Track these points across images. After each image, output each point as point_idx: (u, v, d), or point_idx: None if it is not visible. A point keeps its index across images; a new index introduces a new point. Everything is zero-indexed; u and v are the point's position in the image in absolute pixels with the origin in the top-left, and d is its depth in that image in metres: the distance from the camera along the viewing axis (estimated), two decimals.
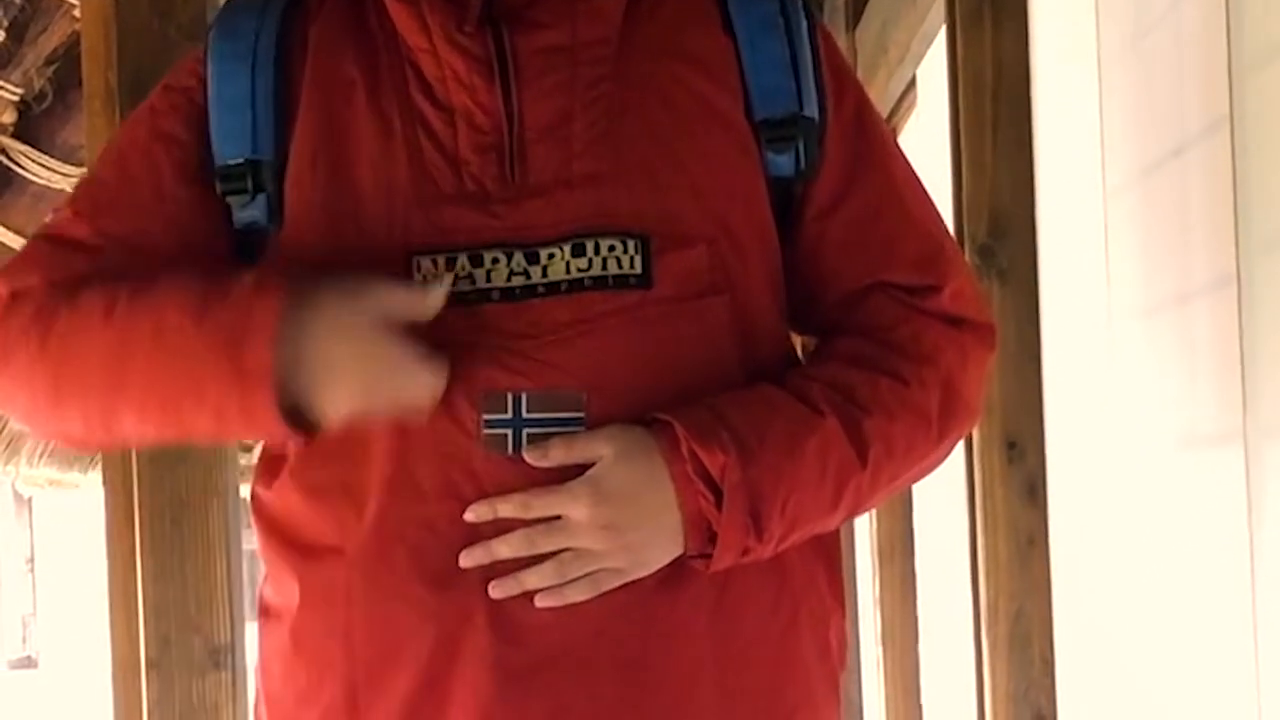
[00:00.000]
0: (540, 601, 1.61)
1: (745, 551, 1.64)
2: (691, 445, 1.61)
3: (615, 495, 1.61)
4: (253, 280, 1.61)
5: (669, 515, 1.62)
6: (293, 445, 1.67)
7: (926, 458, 1.75)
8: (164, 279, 1.64)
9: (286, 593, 1.71)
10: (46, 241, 1.75)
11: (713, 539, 1.63)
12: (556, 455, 1.61)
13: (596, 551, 1.61)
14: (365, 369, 1.59)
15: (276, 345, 1.57)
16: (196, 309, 1.60)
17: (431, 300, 1.59)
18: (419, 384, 1.59)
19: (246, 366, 1.57)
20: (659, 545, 1.63)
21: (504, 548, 1.61)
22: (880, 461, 1.68)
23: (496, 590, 1.61)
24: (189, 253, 1.71)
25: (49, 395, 1.67)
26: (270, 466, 1.73)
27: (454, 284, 1.63)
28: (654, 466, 1.62)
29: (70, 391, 1.66)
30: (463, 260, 1.64)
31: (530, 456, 1.61)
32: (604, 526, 1.61)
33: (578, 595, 1.62)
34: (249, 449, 1.83)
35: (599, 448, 1.61)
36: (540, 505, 1.61)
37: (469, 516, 1.61)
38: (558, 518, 1.61)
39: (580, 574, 1.62)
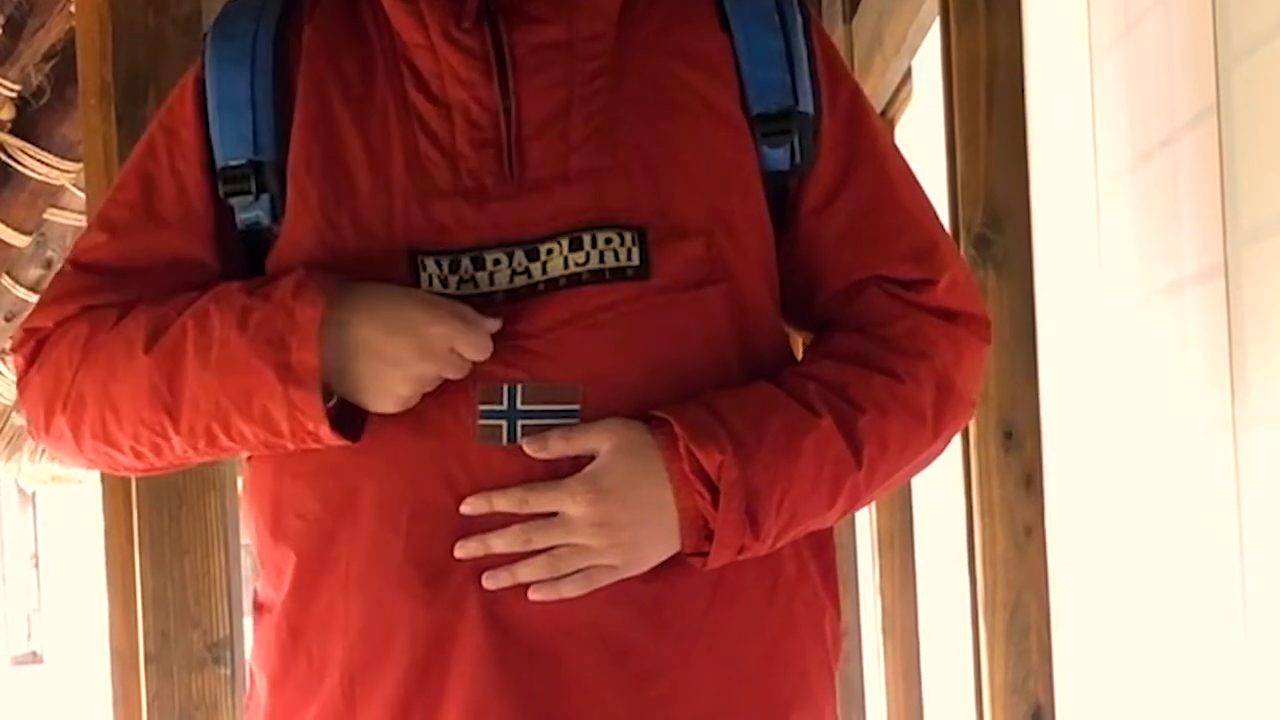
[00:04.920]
0: (534, 595, 1.62)
1: (741, 549, 1.64)
2: (689, 444, 1.61)
3: (612, 492, 1.62)
4: (293, 283, 1.63)
5: (666, 513, 1.63)
6: (335, 444, 1.65)
7: (922, 453, 1.76)
8: (203, 294, 1.67)
9: (279, 583, 1.71)
10: (76, 268, 1.77)
11: (709, 537, 1.63)
12: (555, 448, 1.61)
13: (592, 548, 1.62)
14: (410, 344, 1.61)
15: (321, 344, 1.59)
16: (239, 317, 1.62)
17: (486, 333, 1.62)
18: (467, 339, 1.61)
19: (292, 368, 1.60)
20: (655, 543, 1.64)
21: (499, 541, 1.62)
22: (875, 459, 1.69)
23: (490, 582, 1.62)
24: (221, 257, 1.73)
25: (96, 423, 1.70)
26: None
27: (458, 287, 1.64)
28: (651, 464, 1.62)
29: (117, 417, 1.68)
30: (466, 263, 1.65)
31: (529, 448, 1.61)
32: (600, 524, 1.61)
33: (571, 591, 1.62)
34: None
35: (597, 442, 1.62)
36: (537, 500, 1.61)
37: (465, 509, 1.62)
38: (554, 513, 1.62)
39: (574, 569, 1.62)
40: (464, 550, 1.62)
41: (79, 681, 12.58)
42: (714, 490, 1.62)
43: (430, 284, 1.65)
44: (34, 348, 1.74)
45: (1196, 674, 2.18)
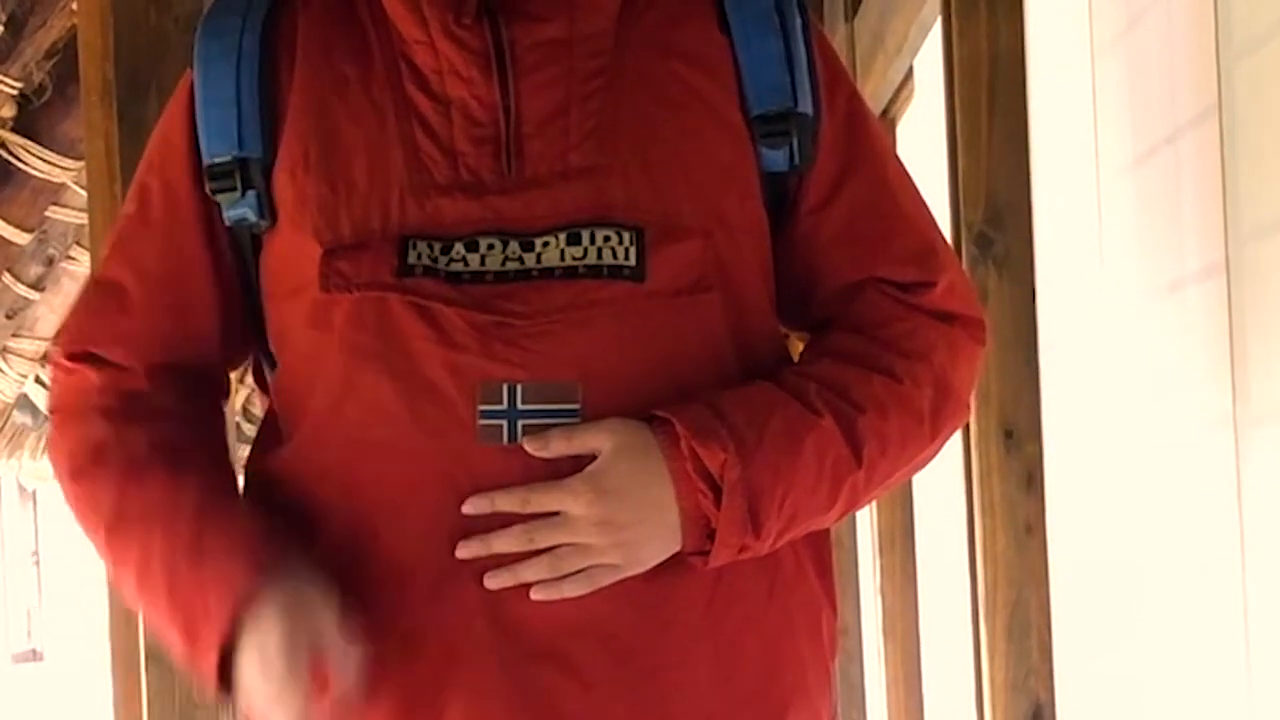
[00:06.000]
0: (535, 595, 1.62)
1: (743, 549, 1.64)
2: (691, 442, 1.61)
3: (614, 491, 1.61)
4: (215, 590, 1.66)
5: (667, 512, 1.63)
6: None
7: (920, 454, 1.76)
8: (166, 494, 1.72)
9: None
10: (95, 285, 1.82)
11: (710, 536, 1.63)
12: (557, 447, 1.61)
13: (594, 547, 1.62)
14: (266, 688, 1.63)
15: (224, 643, 1.64)
16: (169, 575, 1.68)
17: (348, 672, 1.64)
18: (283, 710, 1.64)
19: (196, 657, 1.67)
20: (656, 542, 1.64)
21: (501, 542, 1.62)
22: (875, 459, 1.69)
23: (491, 581, 1.62)
24: (213, 256, 1.75)
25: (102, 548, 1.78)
26: (268, 441, 1.75)
27: (447, 266, 1.64)
28: (653, 463, 1.62)
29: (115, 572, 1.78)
30: (458, 246, 1.65)
31: (530, 447, 1.61)
32: (602, 523, 1.61)
33: (573, 590, 1.62)
34: (249, 440, 1.83)
35: (599, 440, 1.62)
36: (539, 500, 1.61)
37: (467, 509, 1.62)
38: (556, 513, 1.62)
39: (576, 569, 1.63)
40: (466, 550, 1.62)
41: (79, 680, 12.56)
42: (716, 489, 1.62)
43: (419, 261, 1.65)
44: (61, 379, 1.80)
45: (1197, 672, 2.19)
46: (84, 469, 1.75)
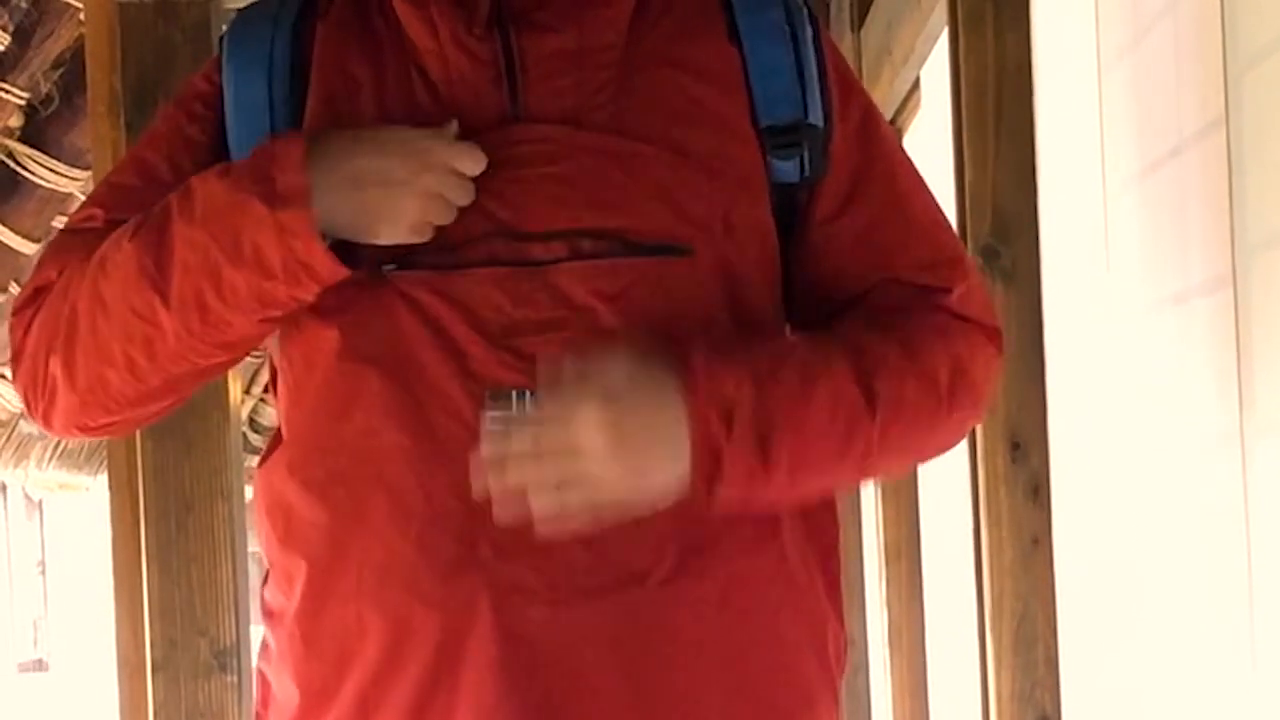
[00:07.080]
0: (540, 528, 1.58)
1: (751, 479, 1.62)
2: (706, 368, 1.60)
3: (625, 418, 1.58)
4: (269, 136, 1.65)
5: (679, 440, 1.59)
6: (331, 278, 1.63)
7: (935, 429, 1.74)
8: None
9: (290, 590, 1.72)
10: (71, 234, 1.77)
11: (719, 469, 1.61)
12: (570, 371, 1.59)
13: (602, 478, 1.58)
14: (407, 160, 1.61)
15: (309, 172, 1.59)
16: (219, 174, 1.64)
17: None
18: (461, 153, 1.61)
19: (279, 192, 1.59)
20: (663, 469, 1.60)
21: (515, 472, 1.57)
22: (889, 417, 1.67)
23: (501, 513, 1.58)
24: None
25: (88, 339, 1.68)
26: (277, 447, 1.75)
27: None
28: (667, 389, 1.60)
29: (107, 315, 1.67)
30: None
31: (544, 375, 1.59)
32: (612, 447, 1.57)
33: (578, 523, 1.59)
34: (255, 451, 1.83)
35: (613, 363, 1.59)
36: (551, 437, 1.57)
37: (476, 461, 1.58)
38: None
39: (582, 501, 1.58)
40: (479, 483, 1.58)
41: (85, 689, 12.58)
42: (728, 420, 1.59)
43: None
44: (40, 304, 1.73)
45: (1203, 685, 2.18)
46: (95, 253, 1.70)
